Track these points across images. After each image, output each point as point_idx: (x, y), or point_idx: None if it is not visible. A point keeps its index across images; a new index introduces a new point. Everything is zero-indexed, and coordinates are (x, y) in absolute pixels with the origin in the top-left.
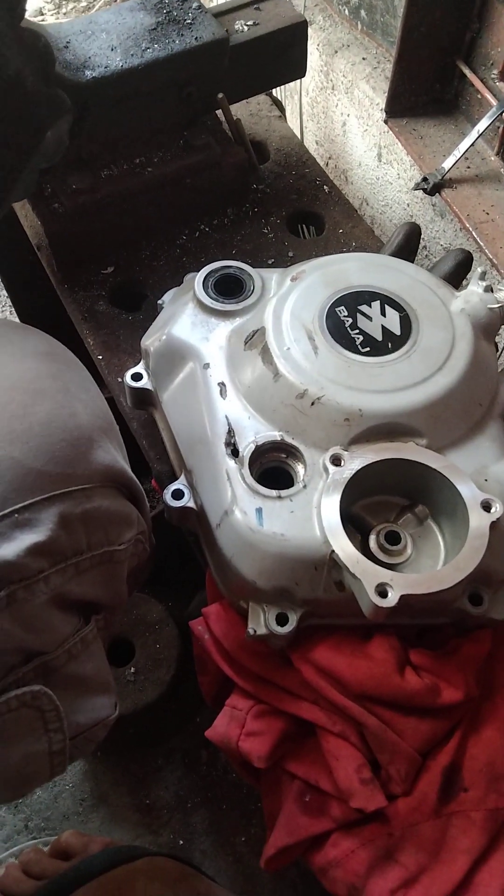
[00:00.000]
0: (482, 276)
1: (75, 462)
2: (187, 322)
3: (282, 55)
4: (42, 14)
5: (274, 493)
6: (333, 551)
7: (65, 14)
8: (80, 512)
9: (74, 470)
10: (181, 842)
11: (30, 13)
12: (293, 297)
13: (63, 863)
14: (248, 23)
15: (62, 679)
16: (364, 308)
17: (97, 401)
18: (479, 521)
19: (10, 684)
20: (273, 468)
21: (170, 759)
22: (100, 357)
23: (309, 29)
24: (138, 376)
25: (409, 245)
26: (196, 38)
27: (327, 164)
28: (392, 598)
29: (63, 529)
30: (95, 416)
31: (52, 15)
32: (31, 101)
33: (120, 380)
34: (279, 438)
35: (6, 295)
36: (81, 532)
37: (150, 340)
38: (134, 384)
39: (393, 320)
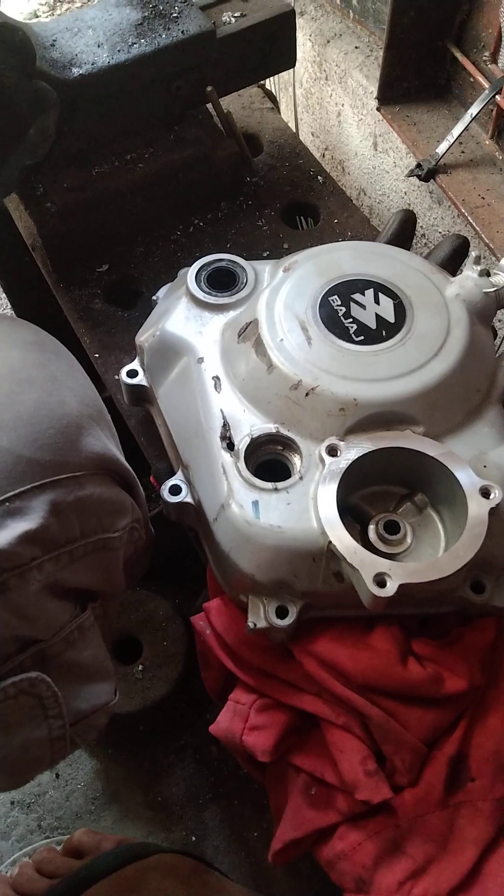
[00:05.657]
0: (476, 261)
1: (65, 450)
2: (181, 317)
3: (270, 46)
4: (37, 16)
5: (270, 485)
6: (331, 542)
7: (59, 16)
8: (73, 500)
9: (64, 458)
10: (193, 838)
11: (24, 15)
12: (286, 288)
13: (76, 861)
14: (235, 14)
15: (60, 666)
16: (357, 296)
17: (86, 389)
18: (478, 508)
19: (7, 672)
20: (270, 461)
21: (181, 755)
22: (96, 355)
23: (300, 19)
24: (133, 373)
25: (404, 232)
26: (183, 32)
27: (323, 156)
28: (391, 588)
29: (55, 517)
30: (84, 404)
31: (46, 17)
32: (10, 97)
33: (117, 378)
34: (274, 430)
35: (4, 297)
36: (74, 520)
37: (145, 337)
38: (129, 381)
39: (387, 308)
